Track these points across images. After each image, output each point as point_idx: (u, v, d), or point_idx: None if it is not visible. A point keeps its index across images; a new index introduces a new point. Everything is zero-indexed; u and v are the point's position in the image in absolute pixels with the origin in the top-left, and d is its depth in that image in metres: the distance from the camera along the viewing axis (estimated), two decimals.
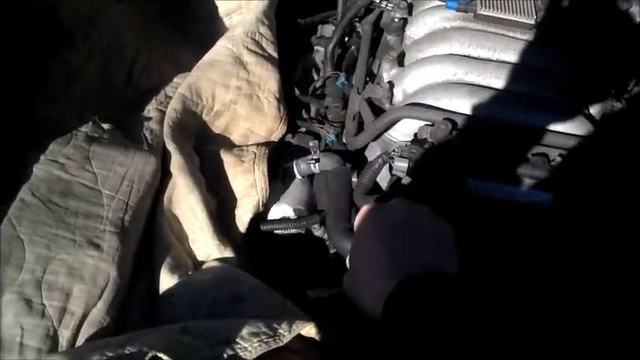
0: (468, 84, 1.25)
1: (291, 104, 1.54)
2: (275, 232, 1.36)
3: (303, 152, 1.46)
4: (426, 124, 1.20)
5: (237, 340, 0.93)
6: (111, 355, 0.83)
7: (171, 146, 1.25)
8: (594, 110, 1.30)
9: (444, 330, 0.60)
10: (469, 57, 1.29)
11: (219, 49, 1.42)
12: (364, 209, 0.83)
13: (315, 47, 1.78)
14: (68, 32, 1.35)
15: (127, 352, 0.83)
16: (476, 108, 1.19)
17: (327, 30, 1.82)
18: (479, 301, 0.63)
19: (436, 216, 0.79)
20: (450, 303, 0.63)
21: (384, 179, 1.32)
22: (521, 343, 0.62)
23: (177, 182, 1.23)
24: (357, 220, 0.83)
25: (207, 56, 1.42)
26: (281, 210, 1.36)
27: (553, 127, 1.18)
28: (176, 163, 1.23)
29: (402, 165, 1.15)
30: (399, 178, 1.22)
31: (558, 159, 1.16)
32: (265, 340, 0.94)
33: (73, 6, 1.37)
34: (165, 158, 1.28)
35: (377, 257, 0.73)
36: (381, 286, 0.67)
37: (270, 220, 1.36)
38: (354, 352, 1.07)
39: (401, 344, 0.63)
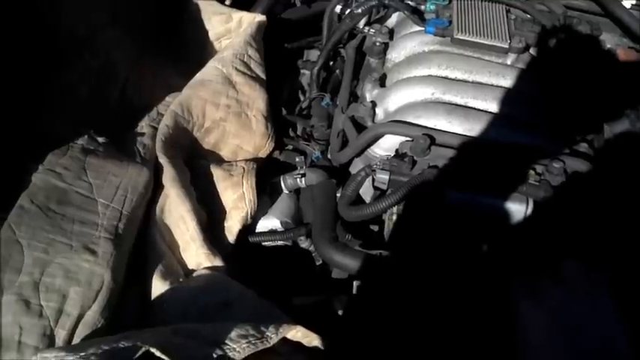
0: (446, 103, 1.32)
1: (279, 123, 1.61)
2: (263, 243, 1.41)
3: (290, 168, 1.52)
4: (407, 140, 1.26)
5: (226, 341, 0.96)
6: (106, 348, 0.87)
7: (163, 159, 1.30)
8: (568, 128, 1.37)
9: None
10: (447, 78, 1.36)
11: (210, 70, 1.48)
12: (524, 303, 0.84)
13: (302, 70, 1.86)
14: (63, 53, 1.40)
15: (121, 345, 0.87)
16: (453, 125, 1.27)
17: (313, 54, 1.90)
18: None
19: (602, 302, 0.80)
20: None
21: (367, 193, 1.38)
22: None
23: (169, 194, 1.28)
24: (520, 315, 0.83)
25: (198, 76, 1.49)
26: (269, 223, 1.41)
27: (527, 143, 1.25)
28: (168, 175, 1.28)
29: (383, 177, 1.21)
30: (383, 191, 1.28)
31: (532, 173, 1.22)
32: (253, 341, 0.98)
33: (69, 28, 1.42)
34: (157, 171, 1.33)
35: (549, 348, 0.76)
36: None
37: (258, 233, 1.41)
38: (338, 356, 1.11)
39: None
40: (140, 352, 0.86)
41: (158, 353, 0.86)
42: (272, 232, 1.40)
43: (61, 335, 1.00)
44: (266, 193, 1.46)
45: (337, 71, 1.75)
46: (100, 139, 1.29)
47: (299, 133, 1.66)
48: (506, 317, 0.86)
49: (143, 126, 1.44)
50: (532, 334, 0.79)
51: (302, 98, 1.79)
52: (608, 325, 0.76)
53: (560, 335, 0.76)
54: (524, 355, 0.78)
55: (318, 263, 1.43)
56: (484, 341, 0.98)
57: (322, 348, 1.07)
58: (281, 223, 1.41)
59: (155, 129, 1.41)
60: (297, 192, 1.52)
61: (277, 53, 1.76)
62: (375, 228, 1.43)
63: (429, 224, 1.20)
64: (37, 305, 1.01)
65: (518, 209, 1.19)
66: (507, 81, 1.36)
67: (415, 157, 1.22)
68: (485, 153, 1.22)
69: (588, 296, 0.80)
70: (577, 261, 0.88)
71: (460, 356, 1.05)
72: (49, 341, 0.99)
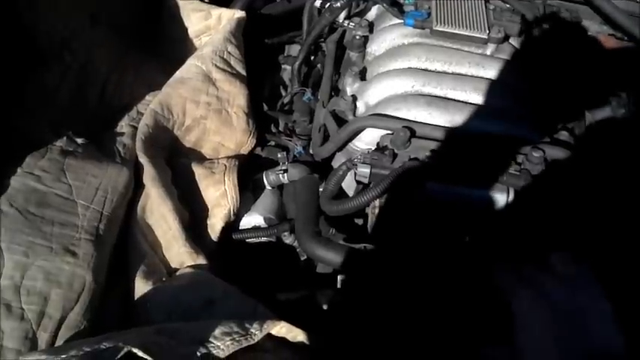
0: (426, 95, 1.32)
1: (261, 119, 1.61)
2: (247, 240, 1.41)
3: (273, 164, 1.52)
4: (387, 133, 1.26)
5: (210, 339, 0.96)
6: (88, 349, 0.86)
7: (143, 159, 1.29)
8: (546, 119, 1.37)
9: None
10: (426, 70, 1.36)
11: (189, 67, 1.47)
12: (521, 295, 0.82)
13: (283, 65, 1.85)
14: (43, 54, 1.40)
15: (102, 347, 0.87)
16: (433, 117, 1.27)
17: (294, 49, 1.89)
18: None
19: (594, 293, 0.79)
20: None
21: (350, 187, 1.38)
22: None
23: (150, 193, 1.27)
24: (518, 308, 0.81)
25: (178, 74, 1.48)
26: (252, 219, 1.41)
27: (506, 133, 1.25)
28: (149, 174, 1.27)
29: (364, 171, 1.20)
30: (365, 185, 1.28)
31: (512, 162, 1.22)
32: (237, 338, 0.98)
33: (48, 29, 1.42)
34: (138, 171, 1.32)
35: (545, 347, 0.74)
36: None
37: (241, 230, 1.41)
38: (325, 351, 1.11)
39: None
40: (122, 353, 0.86)
41: (140, 353, 0.86)
42: (255, 229, 1.40)
43: (43, 338, 1.00)
44: (249, 190, 1.46)
45: (318, 66, 1.75)
46: (79, 140, 1.28)
47: (281, 128, 1.66)
48: (497, 303, 0.86)
49: (123, 125, 1.43)
50: (523, 319, 0.79)
51: (283, 94, 1.78)
52: (600, 315, 0.75)
53: (553, 323, 0.76)
54: (518, 341, 0.78)
55: (302, 258, 1.43)
56: (472, 329, 0.99)
57: (307, 343, 1.07)
58: (264, 219, 1.41)
59: (135, 128, 1.41)
60: (280, 188, 1.52)
61: (258, 49, 1.75)
62: (360, 221, 1.43)
63: (410, 216, 1.20)
64: (18, 309, 1.00)
65: (498, 199, 1.19)
66: (487, 71, 1.36)
67: (396, 150, 1.22)
68: (465, 144, 1.22)
69: (576, 284, 0.80)
70: (562, 251, 0.88)
71: (446, 347, 1.05)
72: (32, 344, 0.99)
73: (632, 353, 0.70)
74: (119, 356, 0.85)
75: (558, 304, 0.77)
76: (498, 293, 0.85)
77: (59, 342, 1.01)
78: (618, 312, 0.75)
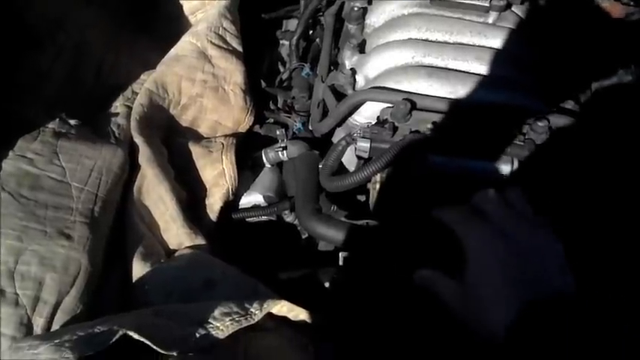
0: (427, 66, 1.28)
1: (258, 96, 1.58)
2: (247, 219, 1.38)
3: (272, 141, 1.49)
4: (387, 106, 1.23)
5: (210, 320, 0.95)
6: (81, 334, 0.85)
7: (138, 139, 1.27)
8: (551, 87, 1.34)
9: (567, 356, 0.60)
10: (427, 41, 1.32)
11: (184, 44, 1.44)
12: (474, 230, 0.78)
13: (281, 41, 1.82)
14: (36, 35, 1.37)
15: (97, 330, 0.85)
16: (434, 88, 1.23)
17: (292, 24, 1.85)
18: (599, 321, 0.63)
19: (547, 233, 0.76)
20: (573, 327, 0.63)
21: (351, 163, 1.35)
22: None
23: (146, 174, 1.25)
24: (471, 243, 0.78)
25: (173, 51, 1.45)
26: (252, 198, 1.39)
27: (510, 103, 1.22)
28: (144, 155, 1.25)
29: (364, 145, 1.18)
30: (366, 160, 1.25)
31: (516, 133, 1.19)
32: (237, 319, 0.96)
33: (40, 10, 1.39)
34: (133, 152, 1.30)
35: (498, 283, 0.71)
36: (504, 311, 0.67)
37: (241, 209, 1.39)
38: (327, 329, 1.10)
39: None
40: (117, 336, 0.84)
41: (136, 336, 0.84)
42: (255, 208, 1.38)
43: (39, 323, 0.99)
44: (248, 168, 1.44)
45: (317, 40, 1.71)
46: (72, 122, 1.26)
47: (280, 105, 1.63)
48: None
49: (117, 106, 1.40)
50: (476, 254, 0.76)
51: (282, 69, 1.75)
52: (554, 256, 0.73)
53: (508, 260, 0.73)
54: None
55: (304, 237, 1.41)
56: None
57: (309, 321, 1.06)
58: (264, 197, 1.38)
59: (130, 108, 1.38)
60: (279, 165, 1.49)
61: (254, 24, 1.71)
62: (362, 197, 1.41)
63: (412, 190, 1.17)
64: (12, 294, 0.99)
65: (502, 170, 1.16)
66: (489, 40, 1.32)
67: (396, 123, 1.19)
68: (467, 115, 1.19)
69: (533, 222, 0.77)
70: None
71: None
72: (27, 330, 0.97)
73: (581, 296, 0.69)
74: (114, 339, 0.84)
75: (514, 241, 0.74)
76: (450, 229, 0.82)
77: (55, 327, 1.00)
78: (570, 253, 0.73)
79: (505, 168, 1.16)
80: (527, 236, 0.75)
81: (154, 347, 0.84)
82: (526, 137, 1.17)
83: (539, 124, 1.15)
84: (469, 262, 0.75)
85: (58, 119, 1.24)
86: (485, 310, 0.70)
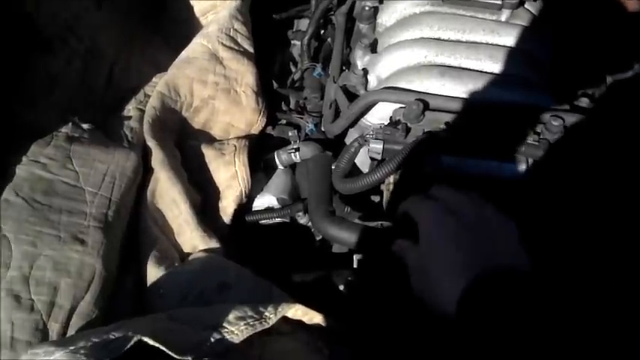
0: (439, 65, 1.27)
1: (271, 97, 1.57)
2: (260, 222, 1.38)
3: (284, 143, 1.49)
4: (400, 107, 1.22)
5: (224, 324, 0.95)
6: (97, 340, 0.85)
7: (151, 143, 1.27)
8: (566, 85, 1.32)
9: (519, 329, 0.59)
10: (439, 39, 1.31)
11: (195, 46, 1.44)
12: (426, 208, 0.80)
13: (292, 41, 1.81)
14: (46, 39, 1.37)
15: (112, 337, 0.85)
16: (447, 87, 1.22)
17: (303, 24, 1.84)
18: (553, 296, 0.62)
19: (499, 212, 0.77)
20: (525, 301, 0.61)
21: (364, 164, 1.34)
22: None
23: (159, 177, 1.25)
24: (423, 220, 0.79)
25: (184, 54, 1.45)
26: (265, 200, 1.39)
27: (524, 102, 1.21)
28: (157, 158, 1.25)
29: (377, 147, 1.17)
30: (379, 161, 1.24)
31: (530, 132, 1.18)
32: (252, 323, 0.96)
33: (51, 13, 1.39)
34: (146, 155, 1.30)
35: (448, 257, 0.72)
36: (454, 285, 0.66)
37: (254, 211, 1.39)
38: (345, 334, 1.09)
39: (475, 344, 0.63)
40: (132, 342, 0.84)
41: (151, 342, 0.84)
42: (269, 210, 1.37)
43: (54, 328, 0.99)
44: (261, 170, 1.43)
45: (329, 40, 1.70)
46: (85, 126, 1.26)
47: (292, 106, 1.62)
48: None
49: (130, 109, 1.40)
50: (427, 228, 0.77)
51: (293, 70, 1.74)
52: (507, 234, 0.73)
53: (459, 234, 0.73)
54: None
55: (317, 238, 1.40)
56: None
57: (324, 325, 1.05)
58: (277, 199, 1.38)
59: (142, 111, 1.38)
60: (292, 167, 1.49)
61: (265, 25, 1.71)
62: (377, 198, 1.40)
63: (425, 191, 1.16)
64: (28, 300, 0.99)
65: (517, 171, 1.15)
66: (502, 38, 1.31)
67: (409, 124, 1.18)
68: (481, 114, 1.18)
69: (487, 205, 0.78)
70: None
71: None
72: (43, 335, 0.97)
73: (535, 273, 0.68)
74: (129, 345, 0.84)
75: (465, 218, 0.75)
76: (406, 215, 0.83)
77: (71, 332, 1.00)
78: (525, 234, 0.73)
79: (520, 168, 1.15)
80: (477, 212, 0.76)
81: (169, 353, 0.84)
82: (541, 137, 1.16)
83: (554, 123, 1.14)
84: (420, 238, 0.77)
85: (70, 123, 1.25)
86: (436, 285, 0.71)
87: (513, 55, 1.28)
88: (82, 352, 0.83)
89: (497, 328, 0.60)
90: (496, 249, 0.71)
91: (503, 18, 1.35)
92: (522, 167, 1.15)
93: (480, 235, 0.72)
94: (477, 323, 0.63)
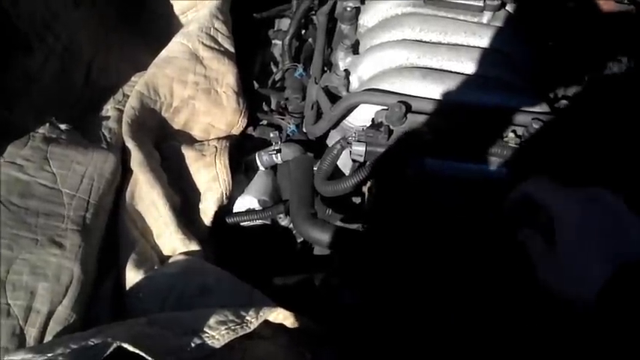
0: (421, 67, 1.27)
1: (251, 98, 1.56)
2: (241, 224, 1.37)
3: (266, 144, 1.48)
4: (382, 109, 1.22)
5: (205, 329, 0.94)
6: (75, 346, 0.83)
7: (130, 144, 1.25)
8: (546, 88, 1.33)
9: None
10: (421, 41, 1.31)
11: (175, 46, 1.42)
12: (567, 197, 0.78)
13: (273, 41, 1.79)
14: (24, 37, 1.34)
15: (90, 343, 0.84)
16: (429, 90, 1.22)
17: (284, 24, 1.83)
18: None
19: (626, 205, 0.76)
20: None
21: (346, 166, 1.34)
22: None
23: (138, 179, 1.23)
24: (565, 209, 0.78)
25: (164, 53, 1.43)
26: (246, 202, 1.38)
27: (505, 105, 1.21)
28: (136, 159, 1.24)
29: (359, 149, 1.16)
30: (361, 164, 1.24)
31: (511, 135, 1.18)
32: (233, 327, 0.95)
33: (28, 12, 1.36)
34: (125, 156, 1.28)
35: (589, 247, 0.71)
36: (600, 274, 0.66)
37: (235, 213, 1.37)
38: (326, 337, 1.09)
39: (618, 332, 0.63)
40: (111, 349, 0.82)
41: (131, 348, 0.83)
42: (249, 212, 1.36)
43: (31, 334, 0.97)
44: (241, 172, 1.42)
45: (310, 40, 1.69)
46: (63, 127, 1.24)
47: (273, 107, 1.61)
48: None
49: (108, 109, 1.38)
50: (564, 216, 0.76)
51: (275, 70, 1.73)
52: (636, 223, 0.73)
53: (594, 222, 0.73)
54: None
55: (299, 241, 1.39)
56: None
57: (305, 328, 1.05)
58: (259, 201, 1.37)
59: (121, 111, 1.36)
60: (273, 168, 1.48)
61: (246, 24, 1.70)
62: (359, 200, 1.40)
63: (407, 194, 1.16)
64: (4, 304, 0.97)
65: (497, 173, 1.15)
66: (484, 40, 1.31)
67: (391, 127, 1.17)
68: (462, 117, 1.18)
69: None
70: None
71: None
72: (19, 341, 0.95)
73: None
74: (109, 352, 0.82)
75: (608, 208, 0.74)
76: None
77: (48, 337, 0.98)
78: None
79: (500, 170, 1.15)
80: (614, 204, 0.75)
81: (149, 358, 0.83)
82: (522, 140, 1.16)
83: (535, 126, 1.15)
84: (561, 227, 0.75)
85: (48, 124, 1.22)
86: (578, 273, 0.70)
87: (494, 57, 1.28)
88: (60, 358, 0.81)
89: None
90: (633, 240, 0.70)
91: (484, 20, 1.35)
92: (503, 169, 1.15)
93: (621, 225, 0.72)
94: (619, 312, 0.63)
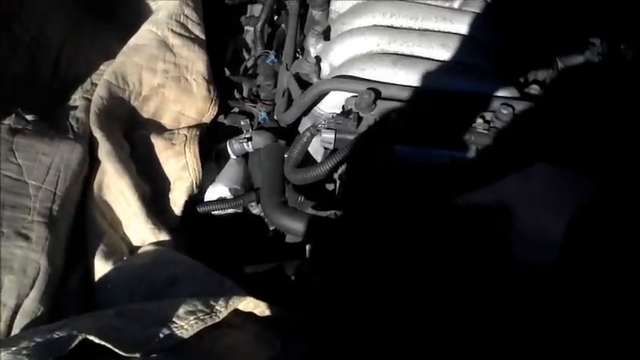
0: (392, 53, 1.26)
1: (223, 85, 1.54)
2: (212, 213, 1.36)
3: (237, 132, 1.47)
4: (352, 96, 1.21)
5: (174, 319, 0.93)
6: (40, 340, 0.83)
7: (98, 133, 1.24)
8: (517, 73, 1.33)
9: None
10: (392, 27, 1.31)
11: (144, 33, 1.41)
12: (508, 185, 0.88)
13: (245, 27, 1.77)
14: None
15: (55, 336, 0.83)
16: (399, 76, 1.22)
17: (256, 9, 1.81)
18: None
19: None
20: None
21: (318, 153, 1.33)
22: None
23: (106, 169, 1.22)
24: (509, 195, 0.86)
25: (132, 41, 1.41)
26: (217, 191, 1.37)
27: (475, 90, 1.21)
28: (104, 149, 1.22)
29: (329, 136, 1.16)
30: (332, 151, 1.23)
31: (480, 120, 1.18)
32: (202, 317, 0.95)
33: None
34: (93, 146, 1.27)
35: (539, 212, 0.79)
36: (554, 232, 0.74)
37: (206, 202, 1.36)
38: (297, 324, 1.09)
39: (586, 282, 0.71)
40: (77, 341, 0.82)
41: (97, 340, 0.82)
42: (221, 201, 1.35)
43: None
44: (212, 160, 1.41)
45: (282, 26, 1.68)
46: (29, 117, 1.22)
47: (245, 94, 1.59)
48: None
49: (76, 99, 1.36)
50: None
51: (247, 57, 1.71)
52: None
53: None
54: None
55: (271, 229, 1.39)
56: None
57: (276, 317, 1.05)
58: (230, 190, 1.36)
59: (89, 101, 1.34)
60: (245, 157, 1.47)
61: (217, 10, 1.68)
62: (331, 186, 1.39)
63: (378, 180, 1.16)
64: None
65: (467, 158, 1.15)
66: (454, 25, 1.31)
67: (361, 113, 1.17)
68: (433, 103, 1.18)
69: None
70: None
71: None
72: None
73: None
74: (74, 344, 0.82)
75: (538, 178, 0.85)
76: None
77: (15, 330, 0.98)
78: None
79: (470, 156, 1.16)
80: (553, 170, 0.85)
81: (116, 350, 0.83)
82: (491, 125, 1.16)
83: (504, 111, 1.15)
84: (512, 205, 0.84)
85: (14, 115, 1.21)
86: (536, 237, 0.78)
87: (465, 43, 1.28)
88: (24, 352, 0.80)
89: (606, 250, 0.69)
90: (580, 192, 0.78)
91: (455, 5, 1.35)
92: (472, 155, 1.16)
93: (563, 185, 0.82)
94: (585, 258, 0.71)
